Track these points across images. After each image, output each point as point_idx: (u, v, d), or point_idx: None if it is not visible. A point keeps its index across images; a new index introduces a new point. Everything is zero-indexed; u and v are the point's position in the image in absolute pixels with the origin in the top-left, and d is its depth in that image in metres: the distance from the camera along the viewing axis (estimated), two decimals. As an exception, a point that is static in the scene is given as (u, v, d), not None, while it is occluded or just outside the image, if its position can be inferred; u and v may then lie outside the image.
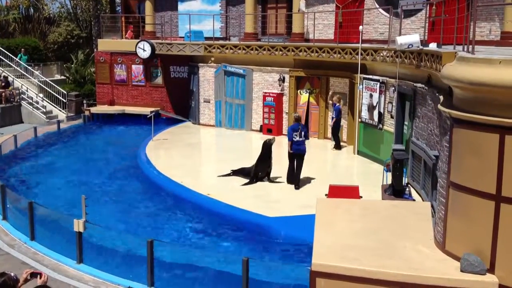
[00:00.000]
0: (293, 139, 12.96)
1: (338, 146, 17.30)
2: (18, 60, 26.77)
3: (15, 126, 23.17)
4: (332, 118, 17.24)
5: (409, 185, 11.70)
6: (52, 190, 13.98)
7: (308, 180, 13.68)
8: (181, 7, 23.95)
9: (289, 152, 13.18)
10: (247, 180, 13.64)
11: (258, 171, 13.56)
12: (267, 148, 13.52)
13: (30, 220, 10.71)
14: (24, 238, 10.88)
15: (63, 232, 10.32)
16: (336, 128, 17.28)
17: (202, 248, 10.17)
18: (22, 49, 28.25)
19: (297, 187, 13.05)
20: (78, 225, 9.54)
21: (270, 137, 14.55)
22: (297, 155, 13.08)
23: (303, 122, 18.63)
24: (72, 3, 39.13)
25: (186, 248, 9.86)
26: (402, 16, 14.62)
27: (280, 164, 14.18)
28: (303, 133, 13.00)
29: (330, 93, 18.09)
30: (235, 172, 14.22)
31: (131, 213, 12.30)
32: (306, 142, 13.24)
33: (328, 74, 18.36)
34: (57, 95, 25.43)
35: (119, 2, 28.24)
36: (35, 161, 17.24)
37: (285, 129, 19.40)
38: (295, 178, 13.15)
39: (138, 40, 22.85)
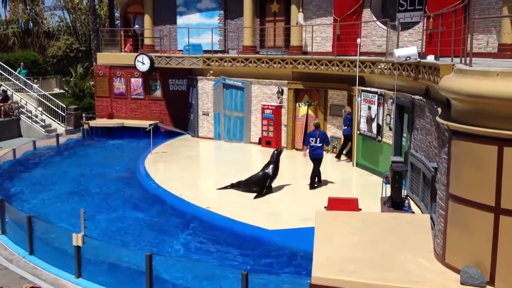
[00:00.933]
0: (309, 144, 14.11)
1: (338, 156, 17.35)
2: (17, 74, 26.83)
3: (14, 140, 23.14)
4: (345, 128, 17.19)
5: (408, 197, 11.68)
6: (51, 204, 13.92)
7: (307, 192, 13.72)
8: (180, 20, 24.07)
9: (310, 157, 14.20)
10: (244, 193, 13.68)
11: (268, 182, 13.67)
12: (275, 157, 13.83)
13: (28, 234, 10.67)
14: (22, 253, 10.84)
15: (62, 247, 10.27)
16: (350, 136, 17.28)
17: (202, 261, 10.13)
18: (21, 63, 28.35)
19: (312, 187, 14.09)
20: (77, 239, 9.51)
21: (279, 148, 14.65)
22: (314, 159, 14.11)
23: (301, 134, 18.82)
24: (71, 17, 39.37)
25: (185, 262, 9.81)
26: (400, 29, 14.70)
27: (279, 176, 14.14)
28: (318, 139, 13.92)
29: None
30: (233, 186, 14.23)
31: (130, 226, 12.25)
32: None
33: (326, 87, 18.43)
34: (56, 109, 25.47)
35: (118, 16, 28.36)
36: (34, 175, 17.16)
37: (284, 142, 19.52)
38: (311, 179, 14.18)
39: (137, 54, 22.90)
